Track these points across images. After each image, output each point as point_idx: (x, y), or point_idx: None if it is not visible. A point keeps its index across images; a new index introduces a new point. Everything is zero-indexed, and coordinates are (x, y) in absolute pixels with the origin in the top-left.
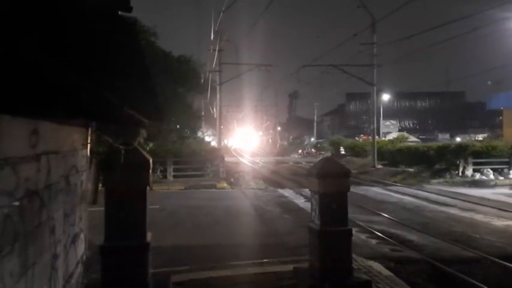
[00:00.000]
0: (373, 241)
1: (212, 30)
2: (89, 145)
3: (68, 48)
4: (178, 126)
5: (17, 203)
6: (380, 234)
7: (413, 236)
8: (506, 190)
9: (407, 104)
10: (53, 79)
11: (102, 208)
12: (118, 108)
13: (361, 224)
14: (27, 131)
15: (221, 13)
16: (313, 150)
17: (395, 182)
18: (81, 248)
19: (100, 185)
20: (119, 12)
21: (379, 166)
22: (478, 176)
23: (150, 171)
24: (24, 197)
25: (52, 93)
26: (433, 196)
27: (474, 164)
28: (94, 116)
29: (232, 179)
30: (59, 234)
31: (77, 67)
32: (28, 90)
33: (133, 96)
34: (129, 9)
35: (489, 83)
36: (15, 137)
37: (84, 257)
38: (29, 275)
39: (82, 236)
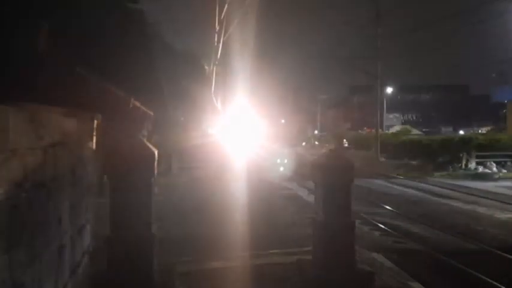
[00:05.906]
0: (376, 233)
1: (217, 22)
2: (94, 137)
3: (75, 39)
4: (182, 118)
5: (24, 194)
6: (383, 227)
7: (416, 229)
8: (509, 183)
9: (411, 97)
10: (60, 70)
11: (108, 200)
12: (124, 100)
13: (364, 216)
14: (33, 123)
15: (226, 5)
16: (316, 142)
17: (398, 174)
18: (87, 238)
19: (105, 176)
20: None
21: (382, 159)
22: (481, 169)
23: (156, 163)
24: (32, 188)
25: (59, 85)
26: (436, 189)
27: (477, 157)
28: (101, 108)
29: (237, 171)
30: (65, 225)
31: (83, 58)
32: (35, 82)
33: (140, 88)
34: None
35: (494, 75)
36: (22, 129)
37: (90, 248)
38: (36, 265)
39: (88, 227)
